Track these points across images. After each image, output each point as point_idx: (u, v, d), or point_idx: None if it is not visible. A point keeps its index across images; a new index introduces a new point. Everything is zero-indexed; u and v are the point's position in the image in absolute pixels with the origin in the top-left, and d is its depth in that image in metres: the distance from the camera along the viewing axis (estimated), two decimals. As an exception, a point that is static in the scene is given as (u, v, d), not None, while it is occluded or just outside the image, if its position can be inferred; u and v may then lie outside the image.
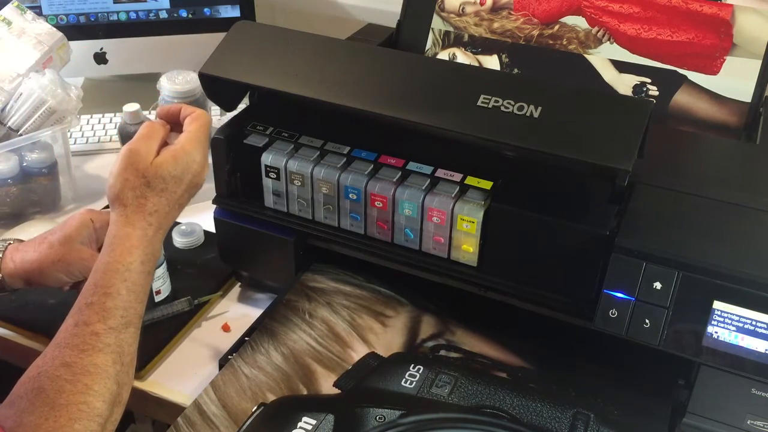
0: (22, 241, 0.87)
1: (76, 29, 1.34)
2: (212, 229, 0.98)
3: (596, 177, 0.77)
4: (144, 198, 0.74)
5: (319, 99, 0.80)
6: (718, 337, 0.68)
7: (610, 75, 1.00)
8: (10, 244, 0.85)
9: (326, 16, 1.49)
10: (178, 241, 1.06)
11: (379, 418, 0.74)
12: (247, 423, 0.73)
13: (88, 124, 1.34)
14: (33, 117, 1.12)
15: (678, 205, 0.75)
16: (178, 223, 1.08)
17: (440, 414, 0.74)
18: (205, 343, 0.93)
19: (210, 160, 0.90)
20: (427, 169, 0.82)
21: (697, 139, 0.92)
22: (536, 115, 0.73)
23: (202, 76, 0.86)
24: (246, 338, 0.84)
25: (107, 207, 0.77)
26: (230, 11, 1.38)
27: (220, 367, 0.82)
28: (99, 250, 0.79)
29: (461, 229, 0.79)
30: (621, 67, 0.99)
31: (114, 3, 1.36)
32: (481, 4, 1.06)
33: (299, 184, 0.85)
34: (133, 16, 1.37)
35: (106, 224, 0.76)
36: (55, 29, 1.21)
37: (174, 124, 0.81)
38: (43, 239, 0.83)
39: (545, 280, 0.78)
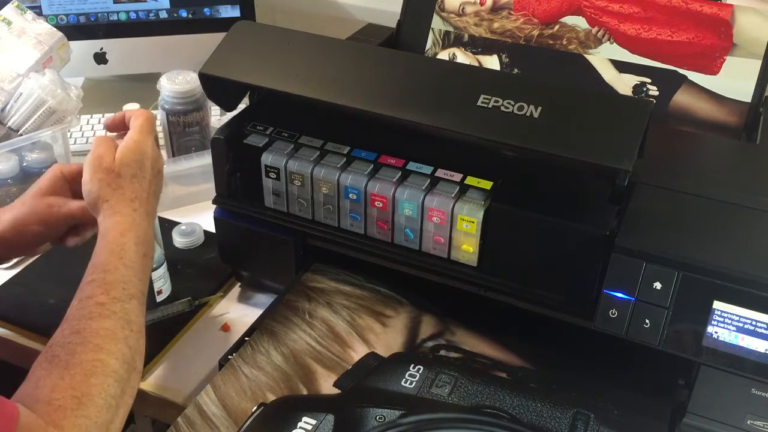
0: None
1: (76, 29, 1.34)
2: (212, 229, 0.98)
3: (596, 177, 0.77)
4: (121, 188, 0.77)
5: (319, 99, 0.80)
6: (718, 337, 0.68)
7: (610, 75, 1.00)
8: None
9: (326, 16, 1.49)
10: (178, 241, 1.06)
11: (379, 418, 0.74)
12: (247, 423, 0.73)
13: (88, 124, 1.34)
14: (33, 117, 1.12)
15: (678, 205, 0.75)
16: (178, 223, 1.08)
17: (440, 414, 0.74)
18: (205, 343, 0.93)
19: (210, 160, 0.91)
20: (427, 169, 0.82)
21: (697, 139, 0.92)
22: (536, 115, 0.73)
23: (202, 76, 0.86)
24: (246, 338, 0.84)
25: None
26: (230, 11, 1.38)
27: (220, 367, 0.82)
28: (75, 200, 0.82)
29: (461, 229, 0.79)
30: (621, 67, 0.99)
31: (114, 3, 1.36)
32: (481, 4, 1.06)
33: (299, 184, 0.85)
34: (133, 16, 1.37)
35: (77, 174, 0.81)
36: (55, 29, 1.21)
37: (123, 131, 0.84)
38: (18, 200, 0.85)
39: (545, 280, 0.78)
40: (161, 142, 1.20)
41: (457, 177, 0.80)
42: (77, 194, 0.82)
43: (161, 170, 0.83)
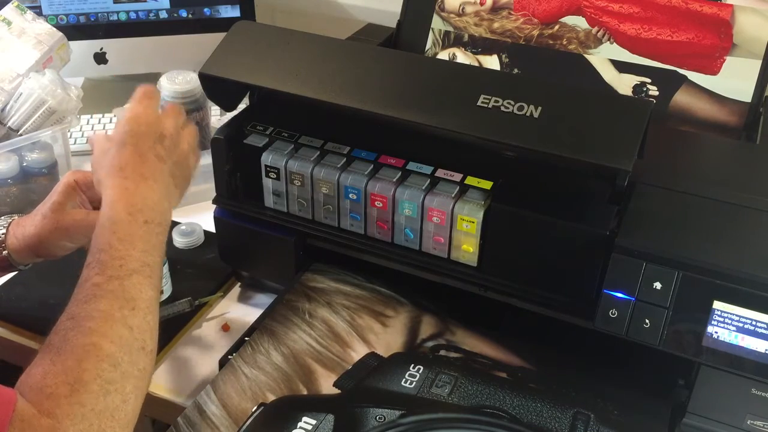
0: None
1: (76, 29, 1.34)
2: (212, 229, 0.98)
3: (596, 177, 0.77)
4: (110, 163, 0.74)
5: (319, 99, 0.80)
6: (718, 337, 0.68)
7: (610, 75, 1.00)
8: (13, 219, 0.86)
9: (326, 16, 1.49)
10: (178, 241, 1.06)
11: (379, 418, 0.74)
12: (247, 423, 0.73)
13: (88, 124, 1.34)
14: (33, 117, 1.12)
15: (678, 205, 0.75)
16: (178, 223, 1.08)
17: (440, 414, 0.74)
18: (205, 343, 0.93)
19: (210, 160, 0.91)
20: (427, 169, 0.82)
21: (697, 139, 0.92)
22: (536, 115, 0.73)
23: (202, 76, 0.86)
24: (246, 338, 0.84)
25: None
26: (230, 11, 1.38)
27: (220, 367, 0.82)
28: (95, 209, 0.81)
29: (461, 229, 0.79)
30: (621, 67, 0.99)
31: (114, 3, 1.36)
32: (481, 4, 1.06)
33: (299, 184, 0.85)
34: (133, 16, 1.37)
35: (91, 183, 0.79)
36: (55, 29, 1.21)
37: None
38: (37, 212, 0.84)
39: (545, 280, 0.78)
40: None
41: (457, 177, 0.80)
42: (93, 200, 0.82)
43: (166, 133, 0.77)
